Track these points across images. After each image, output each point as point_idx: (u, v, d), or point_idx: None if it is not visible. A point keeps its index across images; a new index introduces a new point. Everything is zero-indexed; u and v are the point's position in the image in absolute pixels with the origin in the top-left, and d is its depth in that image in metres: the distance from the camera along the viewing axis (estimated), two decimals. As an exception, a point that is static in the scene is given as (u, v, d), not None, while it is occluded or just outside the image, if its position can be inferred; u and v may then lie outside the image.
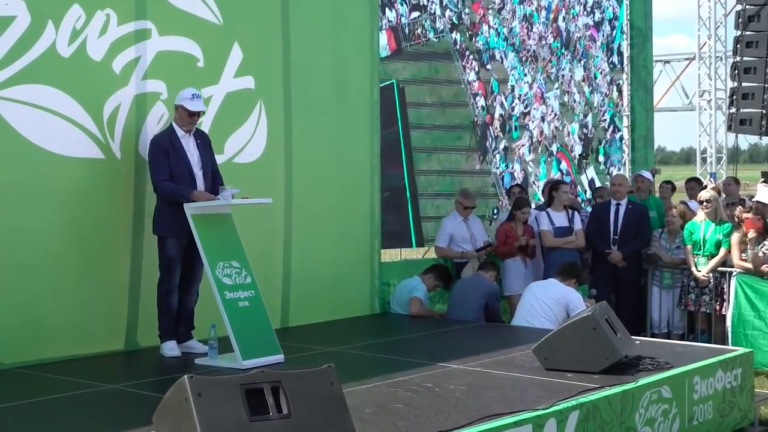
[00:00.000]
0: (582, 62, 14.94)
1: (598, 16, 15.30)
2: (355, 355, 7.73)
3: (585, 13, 15.10)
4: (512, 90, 13.68)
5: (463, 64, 12.82)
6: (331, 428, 4.72)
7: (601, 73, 15.29)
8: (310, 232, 9.28)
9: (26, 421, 5.65)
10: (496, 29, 13.44)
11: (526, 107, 13.89)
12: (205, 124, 8.28)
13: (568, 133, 14.76)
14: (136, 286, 7.74)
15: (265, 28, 8.96)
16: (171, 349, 7.50)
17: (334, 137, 9.66)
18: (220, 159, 8.34)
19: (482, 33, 13.18)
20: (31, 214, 7.17)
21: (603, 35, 15.53)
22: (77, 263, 7.44)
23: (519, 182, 13.00)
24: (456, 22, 12.59)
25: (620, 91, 15.49)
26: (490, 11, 13.28)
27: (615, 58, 15.66)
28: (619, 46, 15.75)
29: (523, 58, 13.93)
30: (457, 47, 12.70)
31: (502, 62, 13.56)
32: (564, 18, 14.68)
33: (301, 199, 9.20)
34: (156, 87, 7.92)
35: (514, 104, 13.75)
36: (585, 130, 15.06)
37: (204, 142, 7.69)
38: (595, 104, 15.15)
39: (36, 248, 7.19)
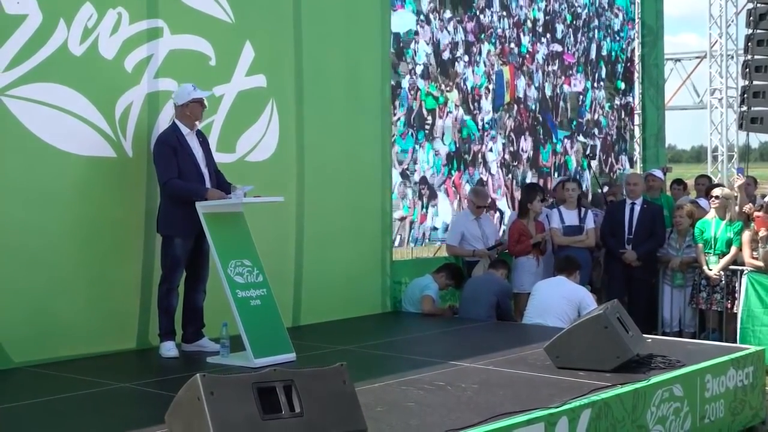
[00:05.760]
0: (581, 120, 11.78)
1: (561, 30, 12.41)
2: (366, 354, 7.73)
3: (540, 38, 11.92)
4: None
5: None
6: (344, 427, 4.73)
7: (602, 110, 12.64)
8: (321, 230, 9.28)
9: (38, 419, 5.66)
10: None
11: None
12: (216, 122, 8.30)
13: None
14: (148, 284, 7.74)
15: (277, 26, 8.96)
16: (169, 349, 7.45)
17: (346, 135, 9.66)
18: (231, 157, 8.38)
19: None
20: (43, 212, 7.19)
21: (570, 49, 12.68)
22: (89, 261, 7.45)
23: None
24: None
25: (630, 112, 13.77)
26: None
27: (603, 71, 13.43)
28: (600, 46, 13.60)
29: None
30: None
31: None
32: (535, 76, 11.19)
33: (312, 198, 9.20)
34: (168, 85, 7.91)
35: None
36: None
37: (205, 141, 7.69)
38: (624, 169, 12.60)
39: (48, 246, 7.21)
